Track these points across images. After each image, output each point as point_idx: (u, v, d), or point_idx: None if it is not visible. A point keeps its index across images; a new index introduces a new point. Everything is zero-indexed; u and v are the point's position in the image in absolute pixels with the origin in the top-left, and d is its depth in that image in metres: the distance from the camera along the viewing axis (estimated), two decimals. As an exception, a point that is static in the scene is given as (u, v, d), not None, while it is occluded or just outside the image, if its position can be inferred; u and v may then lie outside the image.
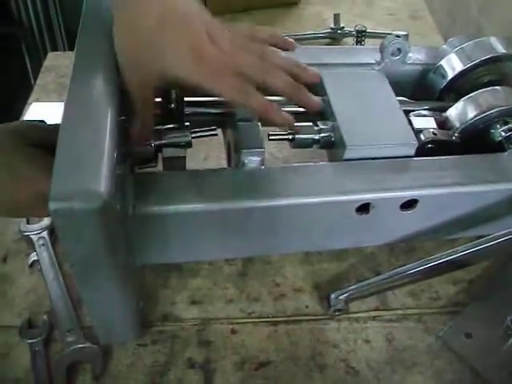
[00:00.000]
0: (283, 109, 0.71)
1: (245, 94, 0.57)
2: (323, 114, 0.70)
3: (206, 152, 0.86)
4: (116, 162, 0.51)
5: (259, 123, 0.65)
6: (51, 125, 0.58)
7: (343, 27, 1.09)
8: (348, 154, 0.65)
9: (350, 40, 1.09)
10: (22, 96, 1.01)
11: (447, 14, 1.26)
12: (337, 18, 1.09)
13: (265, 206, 0.61)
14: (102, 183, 0.47)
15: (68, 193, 0.46)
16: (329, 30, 1.10)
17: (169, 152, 0.64)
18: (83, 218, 0.47)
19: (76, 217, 0.46)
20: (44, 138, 0.56)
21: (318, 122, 0.68)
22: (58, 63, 1.04)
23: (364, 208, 0.64)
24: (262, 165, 0.63)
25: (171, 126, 0.64)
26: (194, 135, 0.64)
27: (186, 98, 0.67)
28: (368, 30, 1.05)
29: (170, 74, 0.56)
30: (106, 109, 0.54)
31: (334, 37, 1.10)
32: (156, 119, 0.63)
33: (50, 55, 1.11)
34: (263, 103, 0.58)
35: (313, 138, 0.67)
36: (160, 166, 0.66)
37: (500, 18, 1.11)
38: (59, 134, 0.50)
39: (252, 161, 0.62)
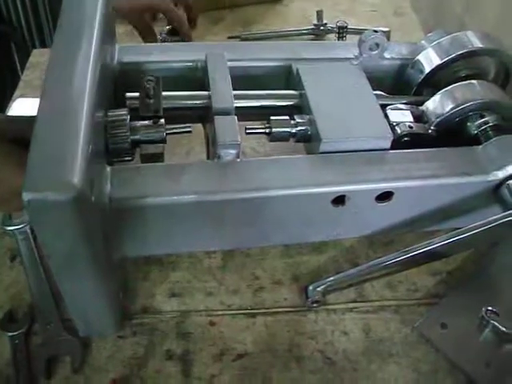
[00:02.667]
0: (262, 103, 0.72)
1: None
2: (300, 107, 0.71)
3: (189, 147, 0.86)
4: (91, 154, 0.52)
5: (235, 117, 0.66)
6: (29, 117, 0.58)
7: (326, 23, 1.10)
8: (323, 147, 0.65)
9: (333, 36, 1.10)
10: (10, 93, 1.01)
11: (431, 11, 1.27)
12: (320, 14, 1.10)
13: (240, 198, 0.61)
14: (76, 175, 0.48)
15: (42, 184, 0.47)
16: (312, 27, 1.10)
17: (146, 148, 0.65)
18: (57, 209, 0.47)
19: (50, 208, 0.47)
20: (21, 133, 0.57)
21: (295, 116, 0.69)
22: (44, 59, 1.04)
23: (339, 200, 0.64)
24: (238, 157, 0.64)
25: (146, 122, 0.65)
26: (168, 131, 0.65)
27: (164, 93, 0.67)
28: (350, 27, 1.06)
29: None
30: (82, 103, 0.55)
31: (317, 33, 1.10)
32: (132, 113, 0.64)
33: (36, 52, 1.12)
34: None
35: (289, 132, 0.68)
36: (137, 161, 0.66)
37: (483, 15, 1.12)
38: (34, 128, 0.51)
39: (228, 153, 0.63)
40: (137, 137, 0.63)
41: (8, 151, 0.56)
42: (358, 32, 1.04)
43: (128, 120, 0.63)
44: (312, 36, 1.11)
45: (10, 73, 1.48)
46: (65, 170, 0.48)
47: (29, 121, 0.56)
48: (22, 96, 0.98)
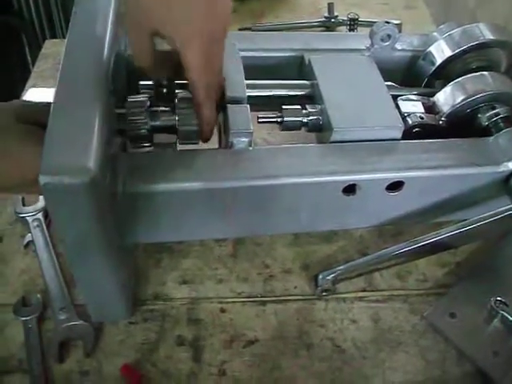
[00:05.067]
0: (274, 92, 0.73)
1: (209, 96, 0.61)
2: (312, 97, 0.72)
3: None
4: (106, 140, 0.53)
5: (248, 105, 0.66)
6: (45, 104, 0.59)
7: (337, 16, 1.10)
8: (335, 137, 0.66)
9: (344, 29, 1.10)
10: (21, 85, 1.02)
11: (442, 4, 1.27)
12: (331, 6, 1.10)
13: (252, 185, 0.62)
14: (92, 159, 0.49)
15: (58, 167, 0.48)
16: (322, 19, 1.11)
17: (158, 138, 0.66)
18: (72, 193, 0.48)
19: (65, 191, 0.48)
20: (37, 117, 0.57)
21: (307, 106, 0.69)
22: (56, 50, 1.05)
23: (350, 189, 0.65)
24: (250, 146, 0.64)
25: (164, 108, 0.65)
26: None
27: (177, 81, 0.68)
28: (361, 19, 1.06)
29: (164, 33, 0.57)
30: (97, 89, 0.56)
31: (328, 25, 1.11)
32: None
33: (48, 42, 1.12)
34: (212, 118, 0.63)
35: (301, 121, 0.68)
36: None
37: (495, 9, 1.12)
38: (51, 113, 0.52)
39: (240, 141, 0.63)
40: (157, 123, 0.63)
41: (24, 134, 0.56)
42: (369, 24, 1.05)
43: (147, 106, 0.63)
44: (323, 28, 1.12)
45: (21, 65, 1.50)
46: (80, 155, 0.49)
47: (42, 106, 0.57)
48: (34, 86, 0.99)
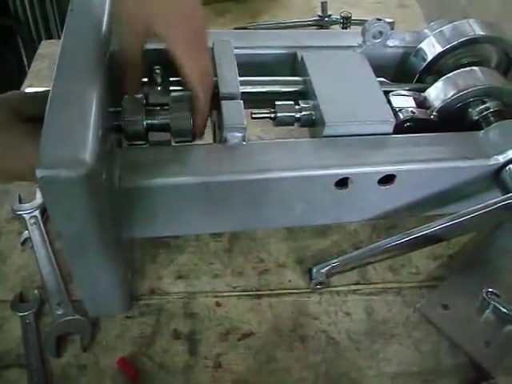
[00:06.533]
0: (267, 89, 0.74)
1: (207, 89, 0.64)
2: (305, 93, 0.72)
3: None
4: (102, 134, 0.53)
5: (241, 101, 0.67)
6: (44, 92, 0.59)
7: (330, 15, 1.11)
8: (327, 131, 0.67)
9: (337, 27, 1.11)
10: (17, 86, 1.03)
11: (435, 3, 1.28)
12: (324, 5, 1.11)
13: (246, 179, 0.63)
14: (88, 153, 0.50)
15: (54, 161, 0.49)
16: (316, 18, 1.12)
17: (153, 136, 0.66)
18: (68, 185, 0.49)
19: (62, 184, 0.49)
20: (37, 110, 0.57)
21: (300, 101, 0.70)
22: (52, 51, 1.06)
23: (343, 182, 0.65)
24: (244, 140, 0.65)
25: (159, 106, 0.66)
26: None
27: (171, 79, 0.69)
28: (354, 17, 1.07)
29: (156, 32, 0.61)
30: (93, 85, 0.57)
31: (322, 24, 1.12)
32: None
33: (44, 43, 1.14)
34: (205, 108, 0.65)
35: (294, 116, 0.69)
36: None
37: (487, 7, 1.13)
38: (47, 108, 0.53)
39: (234, 136, 0.64)
40: (152, 121, 0.64)
41: (25, 130, 0.57)
42: (362, 23, 1.05)
43: (143, 104, 0.64)
44: (316, 27, 1.13)
45: (16, 67, 1.50)
46: (77, 148, 0.50)
47: (41, 96, 0.57)
48: (30, 86, 1.00)
